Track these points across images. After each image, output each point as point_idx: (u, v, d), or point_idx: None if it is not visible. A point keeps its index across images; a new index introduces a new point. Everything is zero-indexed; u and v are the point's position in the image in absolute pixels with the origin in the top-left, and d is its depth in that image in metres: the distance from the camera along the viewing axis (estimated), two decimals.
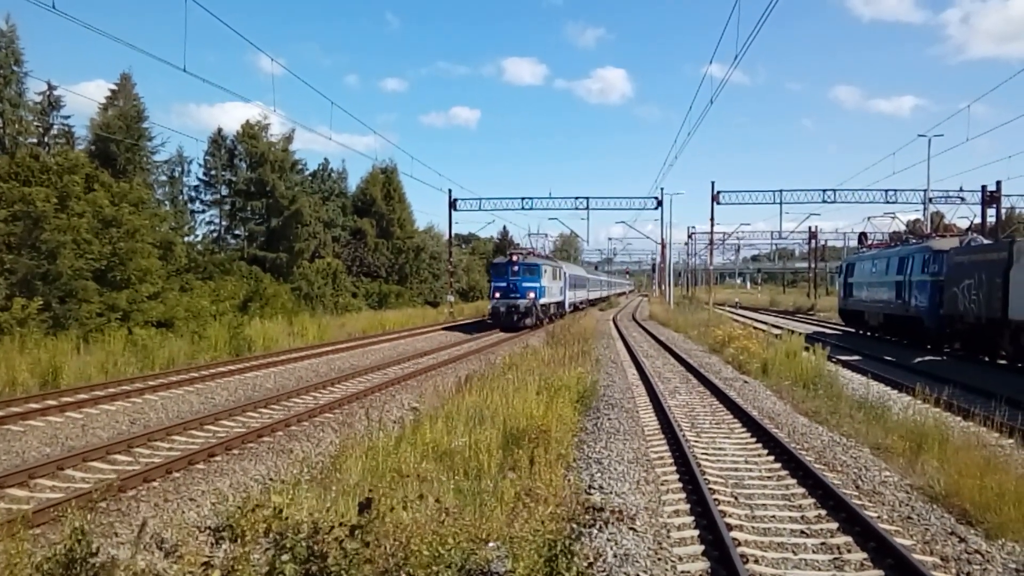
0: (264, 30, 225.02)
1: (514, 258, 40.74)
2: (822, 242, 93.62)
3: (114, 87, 44.67)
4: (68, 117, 45.17)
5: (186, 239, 44.32)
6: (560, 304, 49.03)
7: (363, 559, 5.03)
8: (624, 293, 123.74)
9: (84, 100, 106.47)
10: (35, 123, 41.13)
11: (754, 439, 12.52)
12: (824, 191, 50.43)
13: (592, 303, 71.31)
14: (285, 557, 4.87)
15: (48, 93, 41.64)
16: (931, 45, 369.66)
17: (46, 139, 41.59)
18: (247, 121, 50.97)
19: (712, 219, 51.94)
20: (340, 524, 5.26)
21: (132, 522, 8.21)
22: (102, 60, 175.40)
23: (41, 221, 25.32)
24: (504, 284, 40.02)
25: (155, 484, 9.93)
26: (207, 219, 52.52)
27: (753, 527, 8.09)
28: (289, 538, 4.98)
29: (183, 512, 8.66)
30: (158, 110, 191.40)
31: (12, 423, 13.49)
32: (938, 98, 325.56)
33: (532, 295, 39.78)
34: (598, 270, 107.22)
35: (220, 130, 51.44)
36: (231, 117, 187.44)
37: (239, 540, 6.76)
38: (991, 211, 43.43)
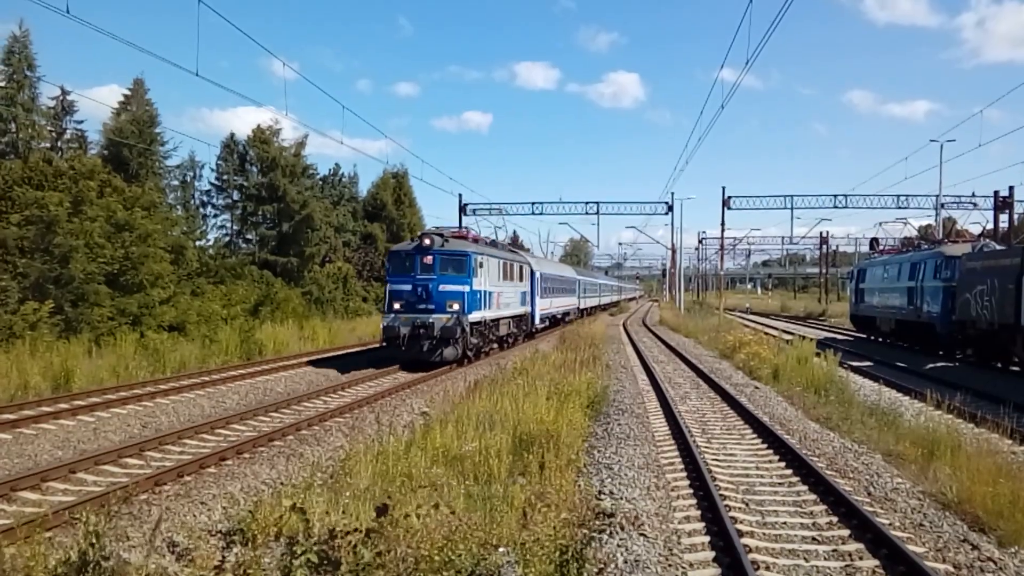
0: (277, 35, 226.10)
1: (425, 243, 23.72)
2: (833, 247, 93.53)
3: (127, 92, 45.03)
4: (81, 122, 45.72)
5: (198, 243, 44.59)
6: (521, 319, 32.26)
7: (375, 564, 5.05)
8: (634, 298, 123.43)
9: (97, 105, 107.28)
10: (48, 128, 41.46)
11: (765, 445, 12.48)
12: (836, 196, 50.24)
13: (585, 313, 55.35)
14: (297, 562, 4.88)
15: (61, 98, 42.01)
16: (946, 49, 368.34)
17: (59, 144, 41.91)
18: (258, 126, 51.24)
19: (723, 224, 51.78)
20: (355, 530, 5.27)
21: (145, 525, 8.24)
22: (115, 64, 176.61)
23: (54, 225, 25.49)
24: (407, 287, 23.35)
25: (167, 487, 9.97)
26: (219, 224, 52.85)
27: (764, 534, 8.07)
28: (300, 543, 4.99)
29: (194, 516, 8.69)
30: (171, 114, 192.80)
31: (24, 426, 13.55)
32: (953, 103, 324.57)
33: (456, 306, 23.08)
34: (608, 274, 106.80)
35: (233, 135, 51.71)
36: (243, 121, 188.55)
37: (250, 544, 6.80)
38: (1004, 216, 43.26)
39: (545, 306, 38.19)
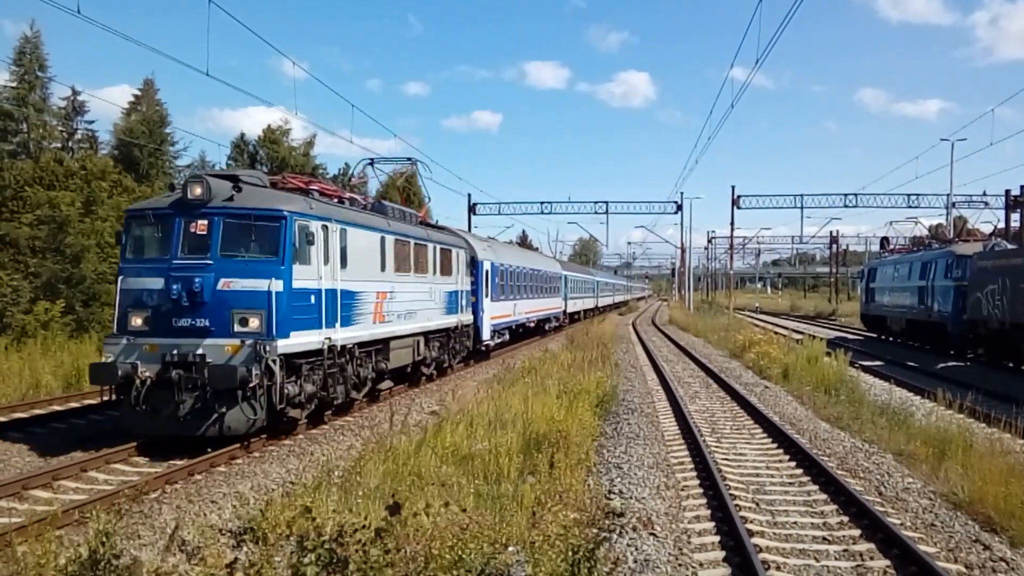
0: (286, 34, 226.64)
1: (195, 192, 11.76)
2: (844, 247, 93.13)
3: (138, 92, 45.30)
4: (92, 122, 45.95)
5: None
6: (452, 335, 21.26)
7: (385, 563, 5.05)
8: (642, 298, 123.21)
9: (108, 105, 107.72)
10: (59, 128, 41.71)
11: (775, 445, 12.46)
12: (846, 195, 50.11)
13: (577, 317, 46.28)
14: (307, 559, 4.90)
15: (72, 98, 42.25)
16: (958, 47, 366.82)
17: (70, 144, 42.14)
18: (268, 125, 51.36)
19: (732, 223, 51.73)
20: (364, 528, 5.28)
21: (155, 524, 8.27)
22: (126, 65, 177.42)
23: (66, 225, 25.61)
24: (156, 284, 11.72)
25: (177, 486, 10.00)
26: None
27: (775, 533, 8.05)
28: (311, 540, 5.01)
29: (205, 514, 8.71)
30: (181, 114, 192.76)
31: (36, 425, 13.60)
32: (965, 101, 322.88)
33: (255, 322, 11.55)
34: (617, 273, 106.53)
35: (243, 135, 51.84)
36: (253, 121, 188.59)
37: (260, 542, 6.82)
38: (1015, 215, 43.04)
39: (503, 312, 27.25)
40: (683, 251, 74.05)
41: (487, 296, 24.76)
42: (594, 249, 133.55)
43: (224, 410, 11.17)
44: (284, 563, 5.64)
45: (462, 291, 21.94)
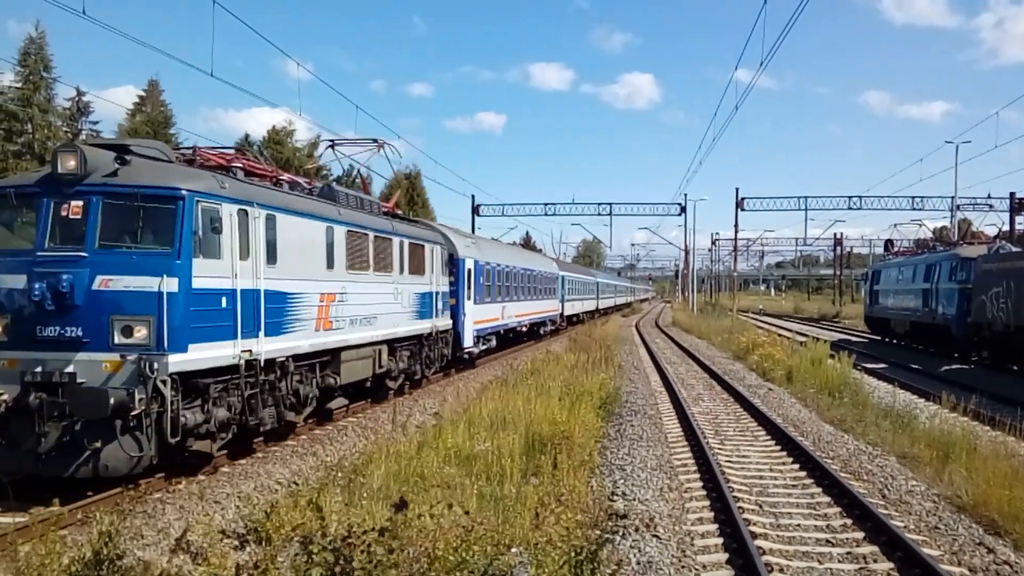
0: (290, 35, 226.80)
1: (68, 165, 9.19)
2: (848, 249, 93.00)
3: (142, 93, 45.44)
4: (96, 123, 46.06)
5: None
6: (425, 343, 18.95)
7: (389, 563, 5.06)
8: (646, 300, 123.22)
9: (112, 106, 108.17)
10: (64, 128, 41.81)
11: (779, 447, 12.44)
12: (850, 198, 50.16)
13: (577, 320, 43.14)
14: (314, 560, 4.90)
15: (77, 99, 42.38)
16: (963, 50, 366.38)
17: None
18: (273, 126, 51.47)
19: (736, 225, 51.69)
20: (371, 529, 5.28)
21: (158, 524, 8.28)
22: (130, 65, 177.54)
23: None
24: (18, 282, 9.12)
25: (181, 487, 10.00)
26: None
27: (778, 536, 8.04)
28: (316, 543, 5.01)
29: (209, 515, 8.71)
30: (186, 115, 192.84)
31: None
32: (969, 104, 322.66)
33: (142, 331, 9.12)
34: (621, 275, 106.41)
35: (247, 136, 51.94)
36: (257, 122, 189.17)
37: (264, 543, 6.83)
38: (1020, 218, 42.95)
39: (489, 316, 25.00)
40: (687, 253, 74.07)
41: (469, 298, 22.38)
42: (598, 251, 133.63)
43: (99, 445, 8.76)
44: (288, 564, 5.65)
45: (438, 292, 19.56)
